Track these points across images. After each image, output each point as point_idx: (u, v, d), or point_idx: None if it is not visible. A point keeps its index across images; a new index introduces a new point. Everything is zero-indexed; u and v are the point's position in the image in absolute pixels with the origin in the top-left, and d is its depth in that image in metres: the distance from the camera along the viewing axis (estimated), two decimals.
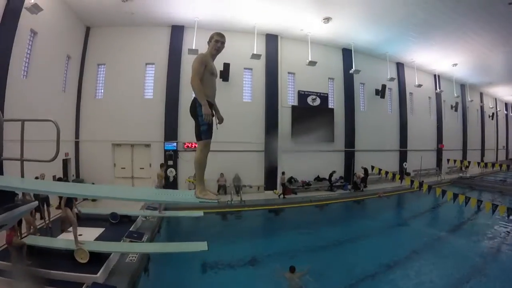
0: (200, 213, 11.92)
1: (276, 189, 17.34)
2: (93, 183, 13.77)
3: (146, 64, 16.71)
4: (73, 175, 15.48)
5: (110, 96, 16.21)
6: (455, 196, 11.78)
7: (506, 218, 12.09)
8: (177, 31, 16.57)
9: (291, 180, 17.99)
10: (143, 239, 9.20)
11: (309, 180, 18.69)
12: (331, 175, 18.84)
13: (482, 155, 36.27)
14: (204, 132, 3.60)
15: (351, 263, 9.39)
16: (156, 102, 16.39)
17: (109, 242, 8.33)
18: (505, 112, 42.97)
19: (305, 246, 10.47)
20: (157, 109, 16.28)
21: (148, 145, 16.48)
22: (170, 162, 16.12)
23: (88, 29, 16.14)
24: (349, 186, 19.47)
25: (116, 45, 16.23)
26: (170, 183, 15.56)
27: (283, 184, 17.15)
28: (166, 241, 10.93)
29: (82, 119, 16.07)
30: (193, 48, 14.53)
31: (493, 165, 21.94)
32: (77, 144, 15.95)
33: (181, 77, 16.29)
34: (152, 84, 16.71)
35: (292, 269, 7.57)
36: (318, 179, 18.98)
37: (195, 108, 3.63)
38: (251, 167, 17.43)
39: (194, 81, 3.54)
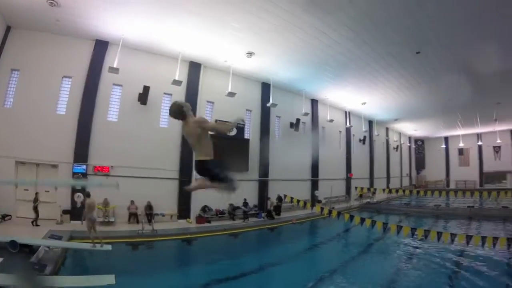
0: (108, 246, 11.50)
1: (189, 217, 17.72)
2: None
3: (63, 77, 15.75)
4: None
5: (20, 106, 14.79)
6: (362, 220, 13.17)
7: (411, 237, 13.84)
8: (100, 46, 16.09)
9: (205, 209, 18.52)
10: (45, 271, 8.56)
11: (223, 209, 19.25)
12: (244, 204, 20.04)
13: (388, 182, 41.56)
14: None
15: None
16: (68, 119, 15.44)
17: (8, 275, 7.51)
18: (408, 144, 50.05)
19: (221, 276, 10.57)
20: (68, 127, 15.35)
21: (55, 166, 15.36)
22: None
23: (8, 29, 14.67)
24: (263, 214, 20.60)
25: (35, 52, 15.04)
26: (77, 209, 14.80)
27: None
28: (71, 274, 10.02)
29: None
30: (115, 66, 14.53)
31: (397, 190, 25.10)
32: None
33: (98, 95, 15.87)
34: (66, 99, 15.73)
35: None
36: (232, 207, 19.64)
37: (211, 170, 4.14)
38: (164, 195, 17.41)
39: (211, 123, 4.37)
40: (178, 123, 14.68)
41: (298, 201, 16.11)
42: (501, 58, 17.28)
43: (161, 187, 17.40)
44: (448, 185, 49.07)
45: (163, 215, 16.99)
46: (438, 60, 18.25)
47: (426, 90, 24.09)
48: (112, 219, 15.40)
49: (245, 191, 20.73)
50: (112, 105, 16.50)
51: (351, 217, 13.44)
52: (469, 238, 11.20)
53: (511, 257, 12.63)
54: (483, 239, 10.84)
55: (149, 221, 15.43)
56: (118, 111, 16.52)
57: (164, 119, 18.03)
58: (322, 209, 14.57)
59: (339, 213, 14.00)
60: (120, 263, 11.04)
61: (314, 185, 26.91)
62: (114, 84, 16.38)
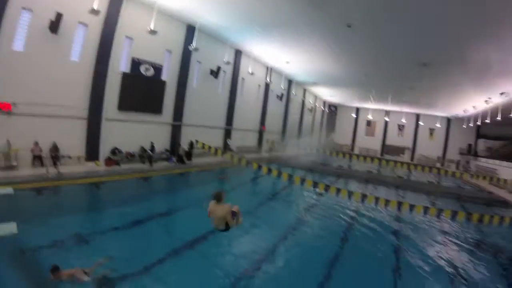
0: (9, 189, 11.00)
1: (98, 160, 17.17)
2: None
3: None
4: None
5: None
6: (270, 170, 13.75)
7: (313, 189, 15.51)
8: None
9: (115, 151, 18.14)
10: None
11: (133, 151, 19.12)
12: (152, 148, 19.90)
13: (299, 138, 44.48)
14: None
15: (173, 235, 10.61)
16: None
17: None
18: (322, 108, 53.89)
19: (129, 220, 10.82)
20: None
21: None
22: None
23: None
24: (174, 159, 21.11)
25: None
26: None
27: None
28: None
29: None
30: None
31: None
32: None
33: (4, 20, 13.24)
34: None
35: (55, 269, 6.41)
36: (143, 150, 19.53)
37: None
38: (71, 135, 16.20)
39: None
40: (91, 58, 13.63)
41: (210, 147, 16.23)
42: (421, 49, 19.52)
43: (68, 127, 16.17)
44: (352, 150, 55.70)
45: (70, 157, 16.05)
46: (366, 38, 19.44)
47: (348, 62, 25.77)
48: (14, 163, 14.03)
49: (157, 134, 20.82)
50: (19, 32, 14.22)
51: (260, 167, 13.90)
52: (364, 196, 12.61)
53: (399, 216, 15.64)
54: (377, 199, 12.32)
55: (55, 163, 14.53)
56: (25, 40, 14.34)
57: (76, 52, 16.25)
58: (232, 157, 15.10)
59: (247, 162, 14.47)
60: (23, 211, 10.50)
61: (227, 133, 28.22)
62: (23, 8, 14.06)
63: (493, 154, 38.88)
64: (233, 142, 28.34)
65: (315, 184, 13.58)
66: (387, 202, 12.00)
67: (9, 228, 7.58)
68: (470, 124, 39.93)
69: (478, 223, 12.02)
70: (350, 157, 32.08)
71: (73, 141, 16.30)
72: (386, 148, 54.90)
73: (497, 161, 34.22)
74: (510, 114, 26.30)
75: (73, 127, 16.37)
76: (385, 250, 12.05)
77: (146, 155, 19.14)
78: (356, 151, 54.55)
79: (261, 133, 33.95)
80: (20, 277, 6.68)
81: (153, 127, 20.56)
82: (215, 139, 26.18)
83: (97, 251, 8.07)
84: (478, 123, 37.25)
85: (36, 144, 14.71)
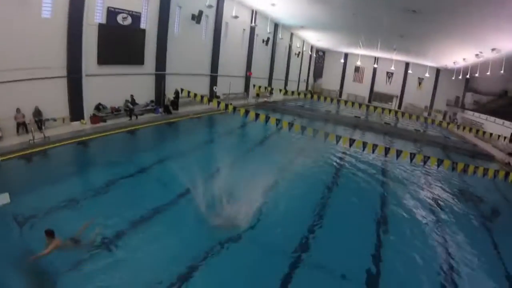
0: None
1: (83, 118, 16.63)
2: None
3: None
4: None
5: None
6: (257, 115, 13.29)
7: (301, 134, 15.10)
8: None
9: (99, 107, 17.60)
10: None
11: (118, 106, 18.59)
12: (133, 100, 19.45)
13: (286, 84, 45.28)
14: None
15: (168, 183, 11.06)
16: None
17: None
18: (310, 53, 53.65)
19: (121, 174, 11.07)
20: None
21: None
22: None
23: None
24: (161, 110, 20.87)
25: None
26: None
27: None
28: None
29: None
30: None
31: (293, 92, 27.57)
32: None
33: None
34: None
35: (50, 234, 6.21)
36: (126, 104, 18.96)
37: None
38: (53, 96, 15.30)
39: None
40: (63, 12, 13.01)
41: (195, 95, 15.49)
42: None
43: (49, 88, 15.17)
44: (340, 96, 56.07)
45: (55, 120, 15.34)
46: None
47: (336, 3, 24.30)
48: None
49: (141, 86, 20.27)
50: None
51: (247, 112, 13.51)
52: (352, 141, 12.66)
53: (386, 160, 16.62)
54: (364, 144, 12.39)
55: (40, 128, 13.82)
56: None
57: (47, 7, 14.56)
58: (219, 103, 14.83)
59: (234, 108, 14.10)
60: (14, 180, 10.29)
61: (213, 80, 27.78)
62: None
63: (480, 108, 39.30)
64: (220, 89, 28.05)
65: (303, 129, 13.65)
66: (374, 147, 12.19)
67: (2, 198, 7.51)
68: (459, 77, 40.03)
69: (463, 173, 12.40)
70: (338, 103, 32.30)
71: (55, 102, 15.48)
72: (374, 95, 55.56)
73: (483, 115, 34.81)
74: (501, 70, 26.18)
75: (54, 88, 15.40)
76: (372, 189, 12.61)
77: (129, 109, 18.75)
78: (344, 97, 54.89)
79: (247, 79, 33.50)
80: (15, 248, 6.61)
81: (136, 78, 19.87)
82: (201, 87, 25.75)
83: (92, 210, 8.32)
84: (467, 76, 37.37)
85: (18, 111, 13.86)
